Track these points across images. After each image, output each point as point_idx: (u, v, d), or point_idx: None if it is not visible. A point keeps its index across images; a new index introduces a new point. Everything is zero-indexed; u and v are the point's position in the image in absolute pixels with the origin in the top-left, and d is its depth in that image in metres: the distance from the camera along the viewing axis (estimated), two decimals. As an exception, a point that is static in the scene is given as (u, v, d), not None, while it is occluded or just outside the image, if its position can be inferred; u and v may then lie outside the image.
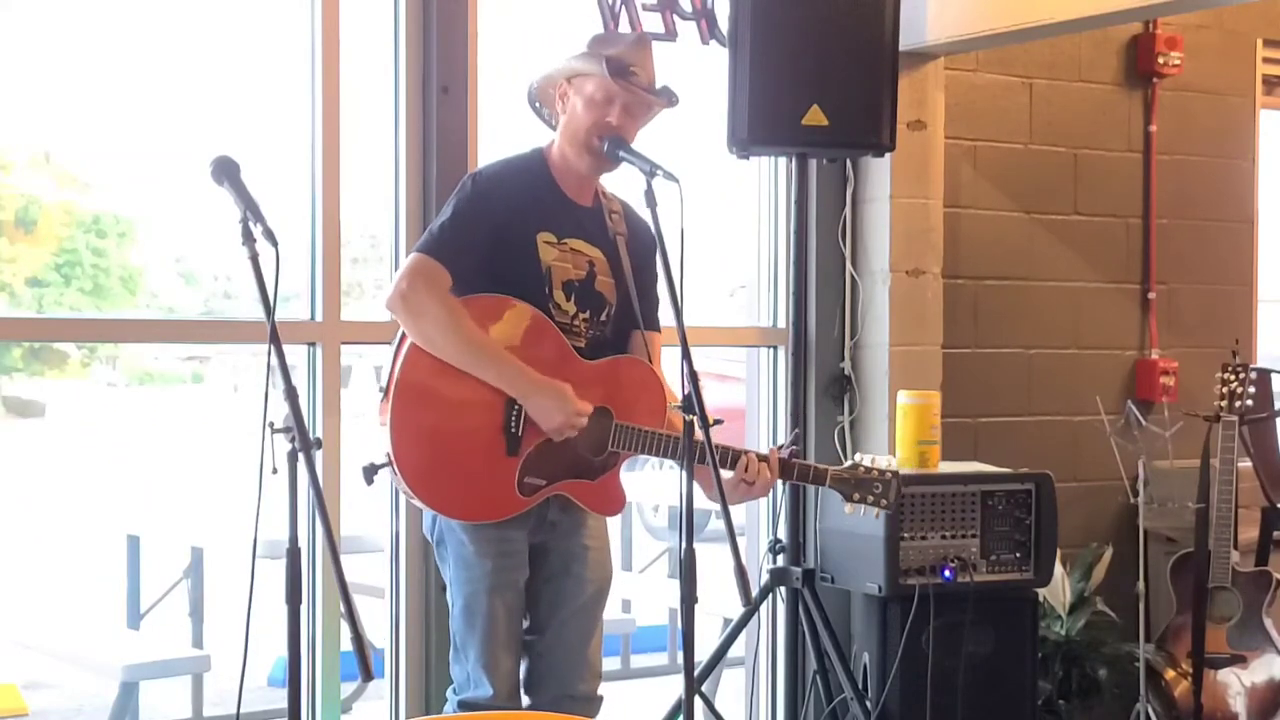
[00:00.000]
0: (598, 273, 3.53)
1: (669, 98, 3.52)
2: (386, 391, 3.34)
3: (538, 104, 3.63)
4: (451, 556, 3.45)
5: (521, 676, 3.56)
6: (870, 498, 3.54)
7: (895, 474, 3.56)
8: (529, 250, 3.43)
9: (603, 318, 3.54)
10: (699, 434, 3.14)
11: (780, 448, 3.59)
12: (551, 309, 3.44)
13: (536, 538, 3.49)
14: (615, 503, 3.55)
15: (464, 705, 3.44)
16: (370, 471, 3.35)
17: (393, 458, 3.31)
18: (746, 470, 3.44)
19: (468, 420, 3.35)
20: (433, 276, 3.32)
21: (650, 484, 8.72)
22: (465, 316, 3.33)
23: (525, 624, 3.56)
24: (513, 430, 3.36)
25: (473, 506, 3.37)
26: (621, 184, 3.64)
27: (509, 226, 3.42)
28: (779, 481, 3.60)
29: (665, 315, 3.29)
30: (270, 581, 2.79)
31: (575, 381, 3.41)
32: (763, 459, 3.48)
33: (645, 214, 3.33)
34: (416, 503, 3.41)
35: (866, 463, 3.57)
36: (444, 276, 3.32)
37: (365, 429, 3.46)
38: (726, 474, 3.42)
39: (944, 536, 4.36)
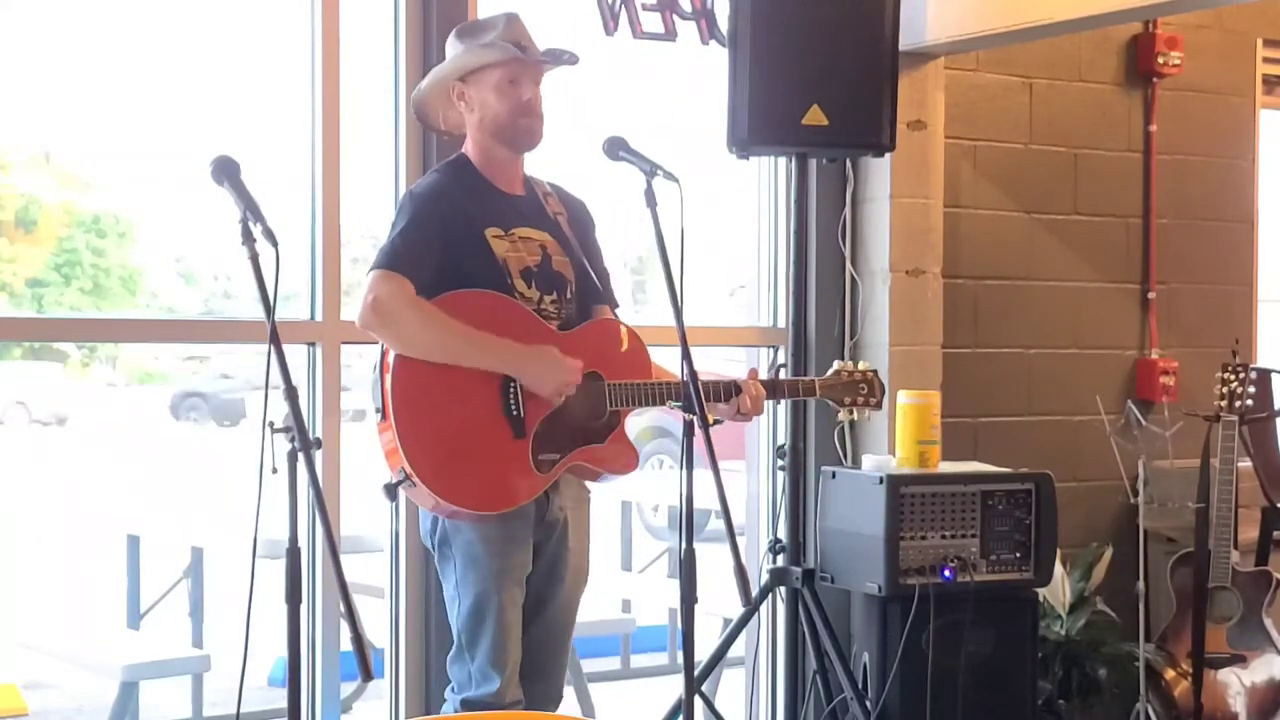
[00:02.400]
0: (551, 254, 3.58)
1: (568, 57, 3.58)
2: (384, 410, 3.35)
3: (423, 119, 3.67)
4: (459, 556, 3.45)
5: None
6: (860, 399, 3.72)
7: (875, 373, 3.76)
8: (482, 247, 3.47)
9: (568, 296, 3.59)
10: (708, 440, 3.15)
11: (771, 368, 3.70)
12: (517, 299, 3.48)
13: (536, 535, 3.52)
14: (630, 460, 3.62)
15: (469, 704, 3.44)
16: (392, 490, 3.36)
17: (410, 470, 3.30)
18: (739, 410, 3.58)
19: (469, 415, 3.37)
20: (397, 286, 3.35)
21: (650, 484, 8.72)
22: (439, 311, 3.36)
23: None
24: (514, 413, 3.39)
25: (499, 497, 3.39)
26: (622, 183, 3.64)
27: (456, 231, 3.46)
28: (770, 402, 3.79)
29: (665, 315, 3.30)
30: (270, 581, 2.79)
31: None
32: (738, 389, 3.58)
33: (643, 216, 3.33)
34: (442, 508, 3.39)
35: (849, 366, 3.75)
36: (407, 285, 3.35)
37: (367, 429, 3.46)
38: (724, 407, 3.56)
39: (944, 536, 4.36)
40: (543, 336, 3.47)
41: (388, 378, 3.36)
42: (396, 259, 3.38)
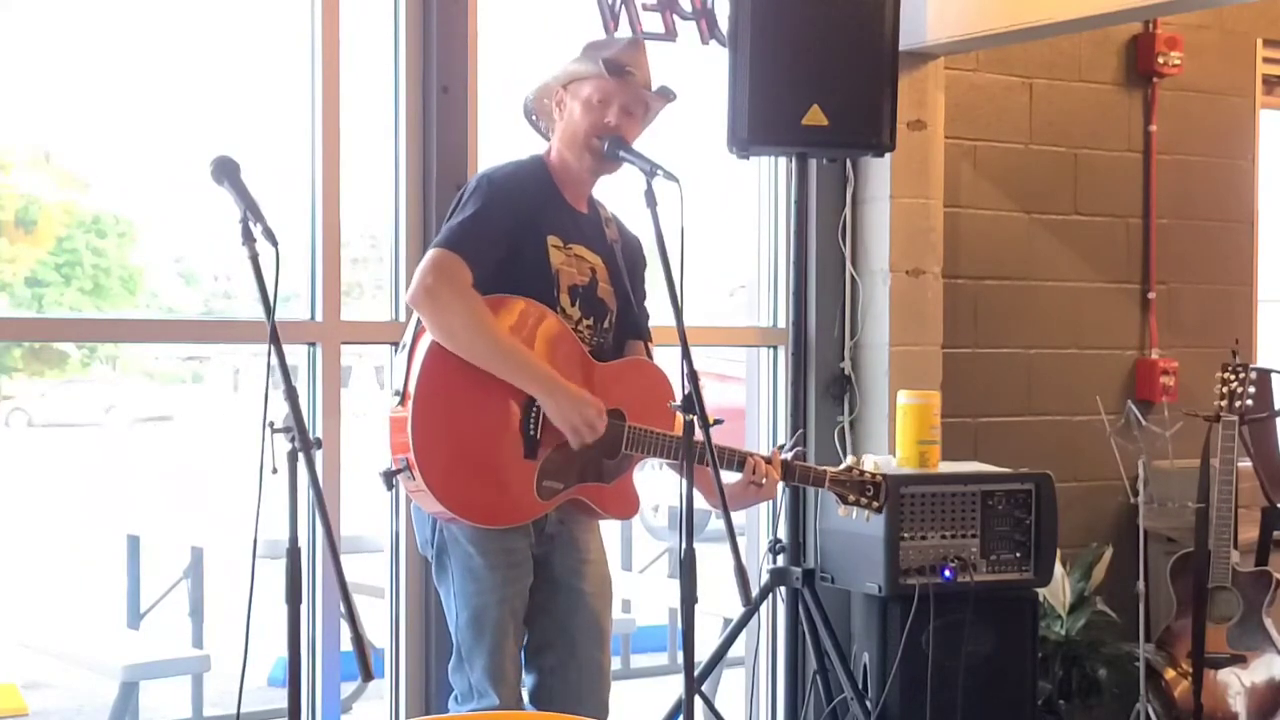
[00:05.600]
0: (599, 279, 3.52)
1: (666, 95, 3.52)
2: (404, 396, 3.30)
3: (534, 116, 3.63)
4: (457, 568, 3.40)
5: (530, 691, 3.54)
6: (863, 500, 3.62)
7: (885, 478, 3.65)
8: (541, 253, 3.42)
9: (605, 325, 3.54)
10: (701, 437, 3.13)
11: (781, 448, 3.64)
12: (558, 314, 3.43)
13: (537, 550, 3.47)
14: (630, 506, 3.56)
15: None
16: (389, 477, 3.32)
17: (414, 462, 3.26)
18: (754, 473, 3.48)
19: (487, 423, 3.32)
20: (456, 272, 3.28)
21: (650, 484, 8.72)
22: (489, 314, 3.30)
23: (525, 639, 3.53)
24: (530, 433, 3.33)
25: (493, 511, 3.34)
26: (621, 183, 3.65)
27: (524, 227, 3.40)
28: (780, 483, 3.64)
29: (665, 315, 3.29)
30: (270, 581, 2.80)
31: (590, 383, 3.41)
32: (766, 460, 3.51)
33: (643, 216, 3.32)
34: (436, 508, 3.35)
35: (862, 465, 3.65)
36: (466, 272, 3.29)
37: (367, 429, 3.45)
38: (733, 476, 3.47)
39: (944, 536, 4.36)
40: (583, 365, 3.43)
41: (416, 363, 3.30)
42: (462, 242, 3.31)
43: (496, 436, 3.33)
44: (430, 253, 3.34)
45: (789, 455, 3.59)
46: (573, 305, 3.46)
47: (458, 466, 3.30)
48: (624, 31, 4.54)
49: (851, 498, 3.62)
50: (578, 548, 3.53)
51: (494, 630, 3.38)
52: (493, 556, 3.38)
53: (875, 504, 3.63)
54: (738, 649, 4.74)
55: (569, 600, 3.51)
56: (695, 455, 3.14)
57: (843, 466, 3.65)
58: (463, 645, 3.41)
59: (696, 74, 4.70)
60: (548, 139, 3.60)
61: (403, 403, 3.30)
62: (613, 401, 3.42)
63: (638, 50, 3.53)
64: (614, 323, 3.56)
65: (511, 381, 3.31)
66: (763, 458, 3.51)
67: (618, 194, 3.68)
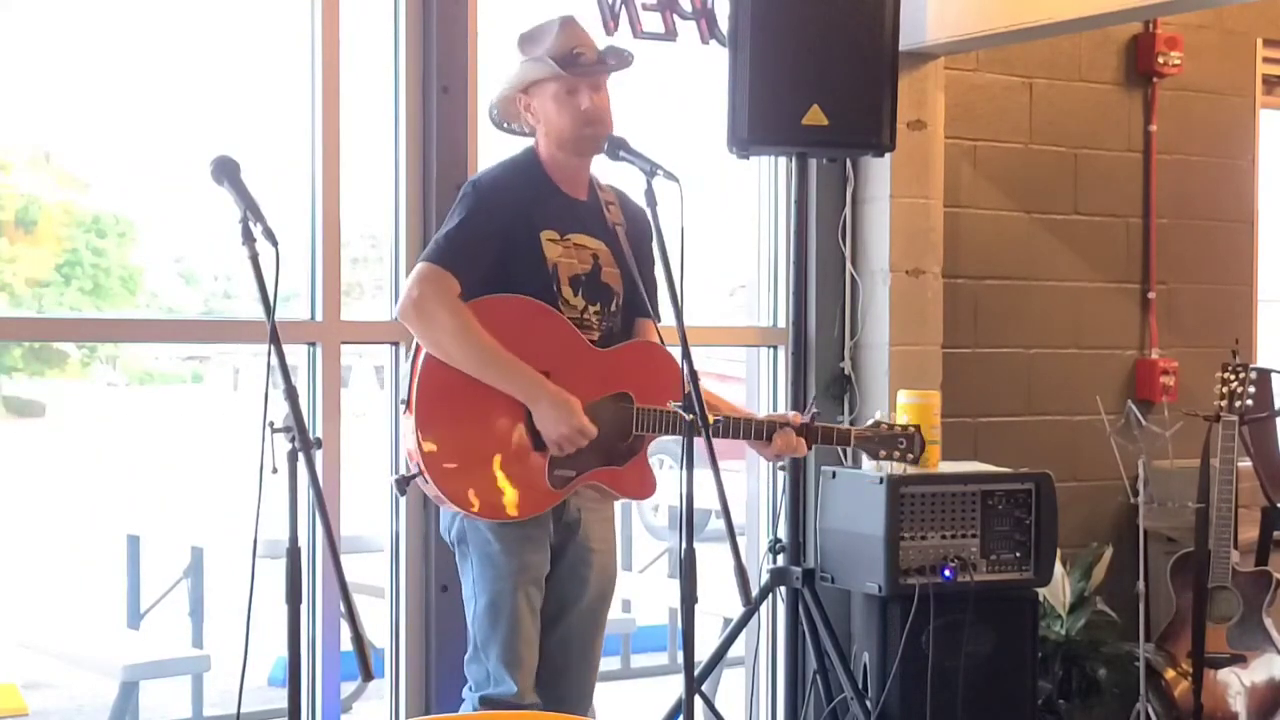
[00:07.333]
0: (602, 265, 3.57)
1: (621, 58, 3.55)
2: (409, 403, 3.37)
3: (505, 124, 3.67)
4: (476, 555, 3.46)
5: None
6: (896, 453, 3.69)
7: (917, 428, 3.70)
8: (535, 250, 3.46)
9: (613, 308, 3.58)
10: (709, 440, 3.14)
11: (805, 412, 3.67)
12: (561, 305, 3.48)
13: (554, 538, 3.52)
14: (647, 486, 3.61)
15: (486, 702, 3.44)
16: (403, 483, 3.37)
17: (423, 466, 3.32)
18: (785, 445, 3.56)
19: (493, 420, 3.38)
20: (442, 284, 3.35)
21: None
22: (476, 323, 3.36)
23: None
24: (536, 426, 3.39)
25: (509, 505, 3.40)
26: (620, 182, 3.66)
27: (514, 229, 3.45)
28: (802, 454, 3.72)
29: (665, 314, 3.31)
30: (270, 581, 2.80)
31: (592, 369, 3.45)
32: (784, 425, 3.57)
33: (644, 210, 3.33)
34: (450, 507, 3.41)
35: (888, 420, 3.71)
36: (453, 284, 3.36)
37: (367, 429, 3.47)
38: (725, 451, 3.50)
39: (944, 536, 4.36)
40: (581, 352, 3.47)
41: (417, 370, 3.37)
42: (448, 255, 3.38)
43: (504, 432, 3.38)
44: (417, 267, 3.41)
45: (807, 418, 3.62)
46: (576, 295, 3.50)
47: (467, 466, 3.36)
48: (624, 31, 4.54)
49: (883, 453, 3.68)
50: (589, 536, 3.58)
51: (510, 616, 3.42)
52: (511, 544, 3.43)
53: (910, 455, 3.68)
54: (738, 649, 4.74)
55: (575, 589, 3.56)
56: (704, 436, 3.15)
57: (869, 423, 3.71)
58: (479, 633, 3.46)
59: (696, 74, 4.71)
60: (523, 132, 3.64)
61: (408, 410, 3.36)
62: (621, 385, 3.48)
63: (573, 28, 3.56)
64: (621, 305, 3.60)
65: (501, 389, 3.37)
66: (786, 421, 3.57)
67: (611, 185, 3.68)
